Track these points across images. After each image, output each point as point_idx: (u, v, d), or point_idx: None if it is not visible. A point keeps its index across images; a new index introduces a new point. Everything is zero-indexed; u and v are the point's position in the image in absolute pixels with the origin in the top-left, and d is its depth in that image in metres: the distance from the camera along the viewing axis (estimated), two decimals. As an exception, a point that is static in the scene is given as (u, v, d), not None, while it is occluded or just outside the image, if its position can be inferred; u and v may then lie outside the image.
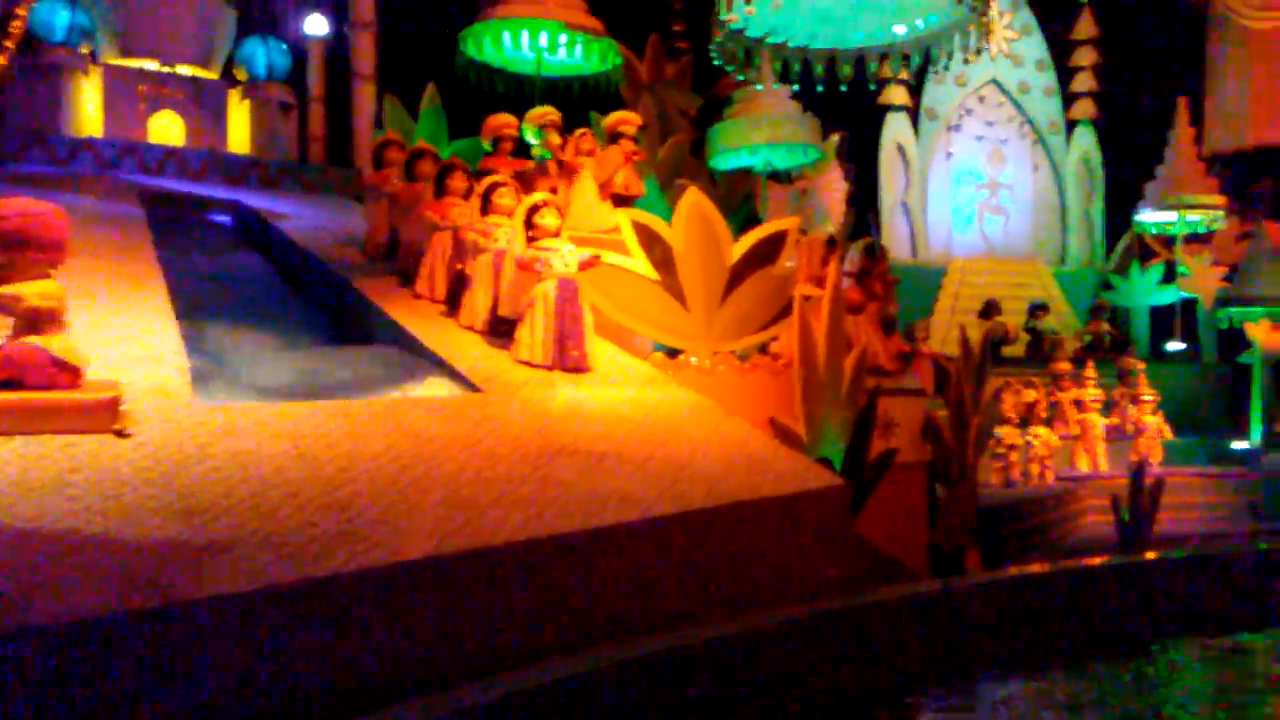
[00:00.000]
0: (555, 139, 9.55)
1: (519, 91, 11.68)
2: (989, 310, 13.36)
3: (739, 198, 13.63)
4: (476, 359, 5.93)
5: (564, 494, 4.12)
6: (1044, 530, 9.75)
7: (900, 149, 15.12)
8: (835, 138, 14.25)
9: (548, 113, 9.97)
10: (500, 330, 6.29)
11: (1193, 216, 14.22)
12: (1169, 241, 14.80)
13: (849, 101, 15.03)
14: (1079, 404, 11.68)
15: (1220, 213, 14.12)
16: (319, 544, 3.33)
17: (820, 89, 8.19)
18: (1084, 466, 11.40)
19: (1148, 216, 14.47)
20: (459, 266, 6.86)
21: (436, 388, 5.50)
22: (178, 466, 3.80)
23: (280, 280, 8.22)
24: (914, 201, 15.14)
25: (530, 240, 6.06)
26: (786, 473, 4.87)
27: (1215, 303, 13.55)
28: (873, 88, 8.11)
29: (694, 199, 6.92)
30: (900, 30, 7.73)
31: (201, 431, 4.20)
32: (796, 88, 8.22)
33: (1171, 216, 14.27)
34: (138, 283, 6.25)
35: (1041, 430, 10.86)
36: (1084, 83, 15.58)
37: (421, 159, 7.76)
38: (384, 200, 8.12)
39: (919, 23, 7.56)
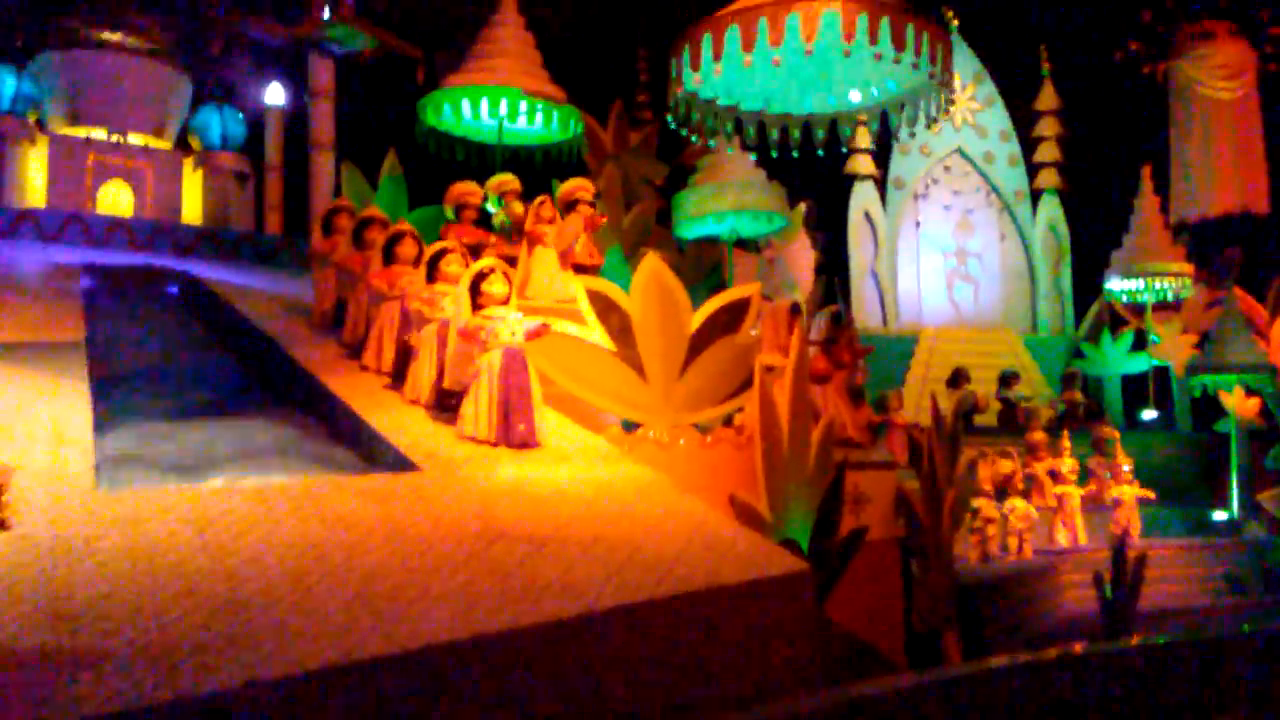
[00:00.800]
0: (518, 207, 9.37)
1: (481, 160, 11.50)
2: (956, 379, 13.10)
3: (706, 267, 13.45)
4: (418, 435, 5.56)
5: (499, 585, 3.72)
6: (1025, 607, 9.35)
7: (868, 218, 15.03)
8: (803, 206, 14.16)
9: (507, 181, 9.83)
10: (446, 404, 5.94)
11: (1161, 284, 14.13)
12: (1139, 309, 14.70)
13: (816, 170, 15.03)
14: (1054, 474, 11.36)
15: (1188, 280, 14.06)
16: (207, 653, 2.92)
17: (776, 154, 7.98)
18: (1063, 540, 11.03)
19: (1116, 284, 14.37)
20: (406, 337, 6.53)
21: (370, 466, 5.11)
22: (59, 562, 3.39)
23: (224, 354, 7.83)
24: (883, 270, 14.99)
25: (476, 309, 5.75)
26: (746, 556, 4.49)
27: (1188, 370, 13.39)
28: (823, 152, 7.90)
29: (652, 266, 6.65)
30: (859, 97, 7.56)
31: (95, 521, 3.79)
32: (773, 154, 8.03)
33: (1139, 284, 14.19)
34: (57, 358, 5.87)
35: (1018, 502, 10.50)
36: (1048, 152, 15.62)
37: (370, 226, 7.47)
38: (331, 268, 7.81)
39: (874, 90, 7.40)
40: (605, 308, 6.59)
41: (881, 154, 15.15)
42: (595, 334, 6.61)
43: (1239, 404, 12.75)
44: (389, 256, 6.90)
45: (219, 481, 4.57)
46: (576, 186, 9.17)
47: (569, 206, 9.22)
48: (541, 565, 3.97)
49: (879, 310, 14.96)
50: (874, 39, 6.07)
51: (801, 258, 14.41)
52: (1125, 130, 15.90)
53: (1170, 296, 14.40)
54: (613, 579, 3.94)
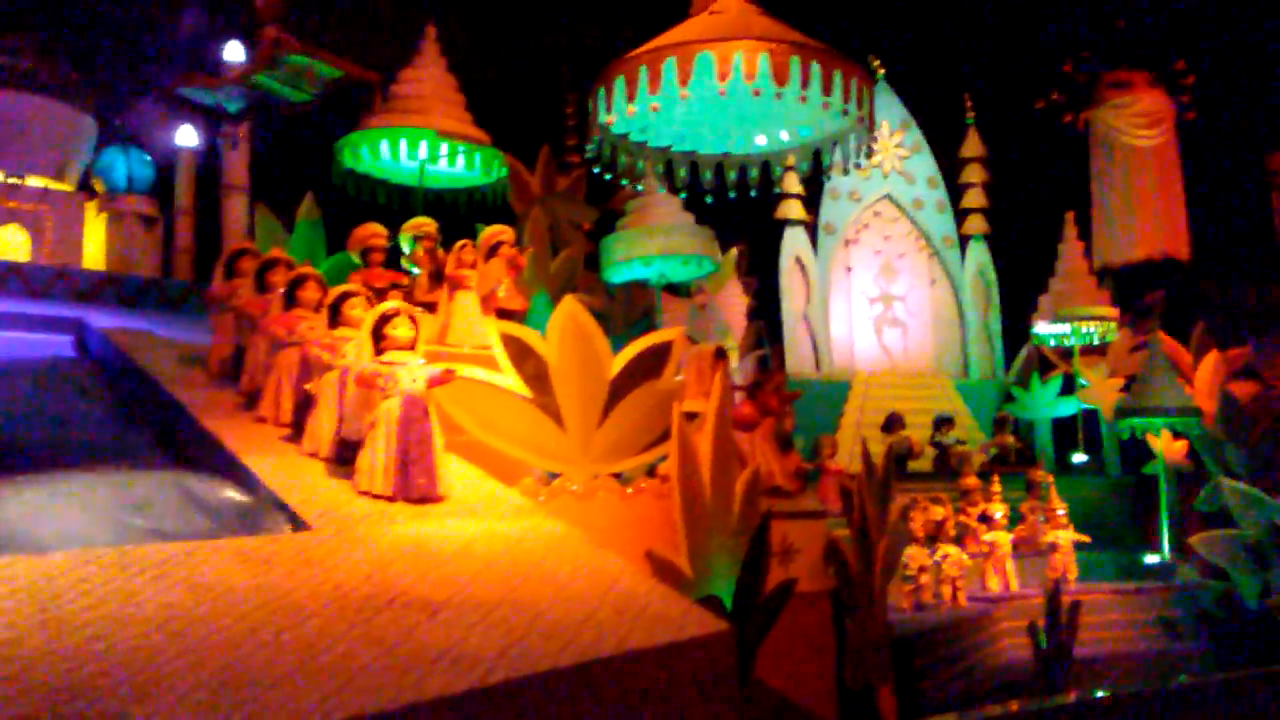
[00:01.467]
0: (419, 251, 9.14)
1: (403, 203, 11.20)
2: (891, 424, 12.99)
3: (638, 312, 13.22)
4: (312, 490, 5.15)
5: (381, 659, 3.35)
6: (960, 659, 9.13)
7: (800, 263, 14.95)
8: (734, 252, 14.07)
9: (423, 224, 9.61)
10: (346, 457, 5.55)
11: (1087, 328, 14.23)
12: (1067, 353, 14.79)
13: (748, 215, 14.97)
14: (986, 519, 11.22)
15: (1113, 324, 14.18)
16: (22, 749, 2.52)
17: (708, 199, 7.82)
18: (995, 586, 10.87)
19: (1043, 329, 14.45)
20: (306, 386, 6.13)
21: (255, 525, 4.70)
22: None
23: (112, 404, 7.33)
24: (815, 316, 14.89)
25: (378, 353, 5.39)
26: (661, 617, 4.17)
27: (1116, 414, 13.45)
28: (755, 193, 7.76)
29: (569, 309, 6.38)
30: (787, 138, 7.43)
31: (-80, 594, 3.35)
32: (706, 198, 7.85)
33: (1066, 329, 14.28)
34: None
35: (951, 549, 10.32)
36: (974, 199, 15.75)
37: (274, 269, 7.08)
38: (231, 314, 7.39)
39: (785, 136, 7.27)
40: (520, 352, 6.29)
41: (812, 200, 15.15)
42: (510, 380, 6.29)
43: (1166, 447, 12.82)
44: (290, 300, 6.51)
45: (76, 546, 4.13)
46: (495, 232, 9.14)
47: (490, 252, 9.12)
48: (433, 634, 3.61)
49: (812, 356, 14.84)
50: (781, 80, 5.94)
51: (733, 303, 14.30)
52: (1049, 177, 16.14)
53: (1096, 340, 14.50)
54: (511, 648, 3.59)
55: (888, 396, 14.51)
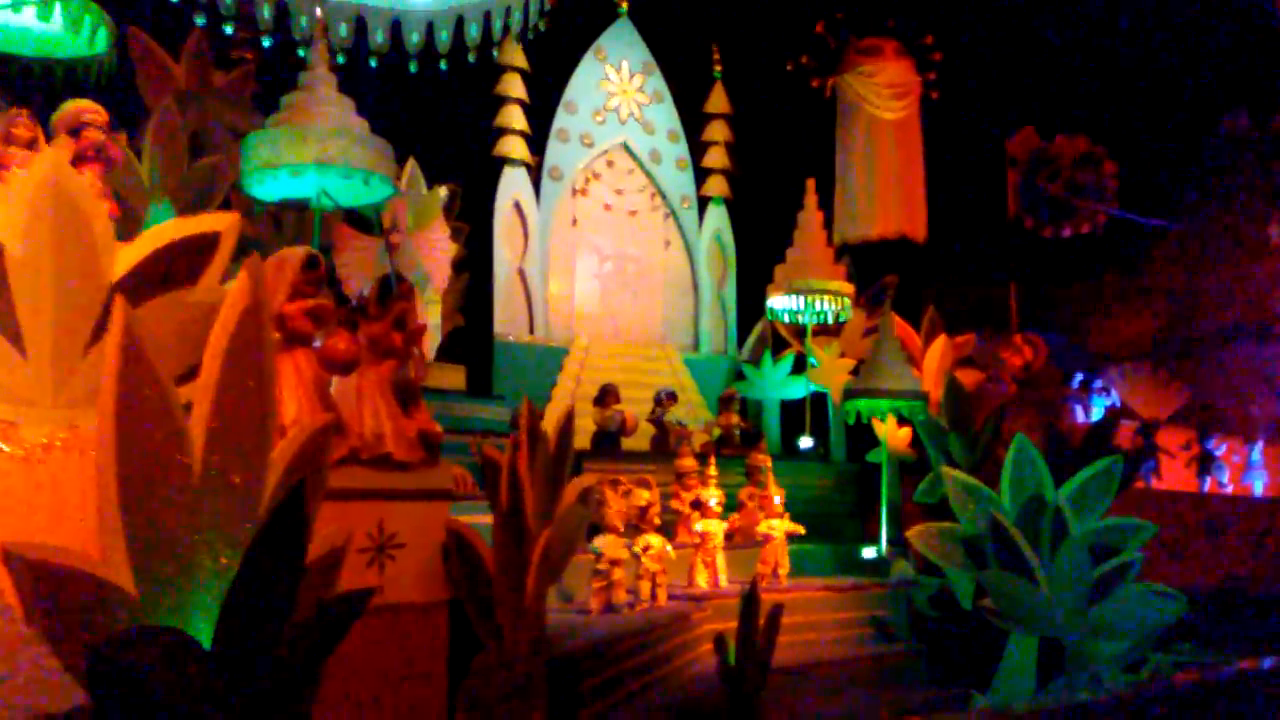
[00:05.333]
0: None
1: (-30, 71, 8.39)
2: (604, 397, 11.45)
3: (311, 244, 10.94)
4: None
5: None
6: (647, 671, 7.60)
7: (519, 209, 13.13)
8: (443, 190, 12.03)
9: (-29, 90, 7.07)
10: None
11: (821, 303, 13.27)
12: (800, 332, 13.82)
13: (465, 151, 12.98)
14: (699, 506, 9.83)
15: (848, 301, 13.32)
16: None
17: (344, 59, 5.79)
18: (703, 582, 9.50)
19: (778, 302, 13.40)
20: None
21: None
22: None
23: None
24: (532, 270, 13.12)
25: None
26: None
27: (842, 396, 12.55)
28: (413, 68, 5.83)
29: (49, 168, 4.15)
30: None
31: None
32: (339, 57, 5.81)
33: (799, 303, 13.27)
34: None
35: (654, 540, 8.80)
36: (716, 158, 14.53)
37: None
38: None
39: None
40: (-45, 233, 4.00)
41: (538, 139, 13.38)
42: (-66, 274, 4.00)
43: (891, 434, 12.03)
44: None
45: None
46: (83, 108, 7.10)
47: (73, 133, 6.91)
48: None
49: (525, 315, 13.07)
50: None
51: (437, 248, 12.23)
52: (797, 143, 15.17)
53: (830, 319, 13.61)
54: None
55: (609, 366, 13.05)
